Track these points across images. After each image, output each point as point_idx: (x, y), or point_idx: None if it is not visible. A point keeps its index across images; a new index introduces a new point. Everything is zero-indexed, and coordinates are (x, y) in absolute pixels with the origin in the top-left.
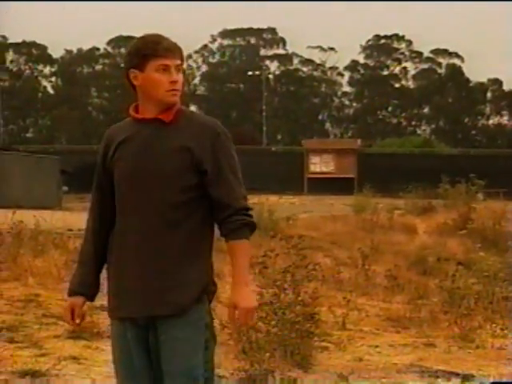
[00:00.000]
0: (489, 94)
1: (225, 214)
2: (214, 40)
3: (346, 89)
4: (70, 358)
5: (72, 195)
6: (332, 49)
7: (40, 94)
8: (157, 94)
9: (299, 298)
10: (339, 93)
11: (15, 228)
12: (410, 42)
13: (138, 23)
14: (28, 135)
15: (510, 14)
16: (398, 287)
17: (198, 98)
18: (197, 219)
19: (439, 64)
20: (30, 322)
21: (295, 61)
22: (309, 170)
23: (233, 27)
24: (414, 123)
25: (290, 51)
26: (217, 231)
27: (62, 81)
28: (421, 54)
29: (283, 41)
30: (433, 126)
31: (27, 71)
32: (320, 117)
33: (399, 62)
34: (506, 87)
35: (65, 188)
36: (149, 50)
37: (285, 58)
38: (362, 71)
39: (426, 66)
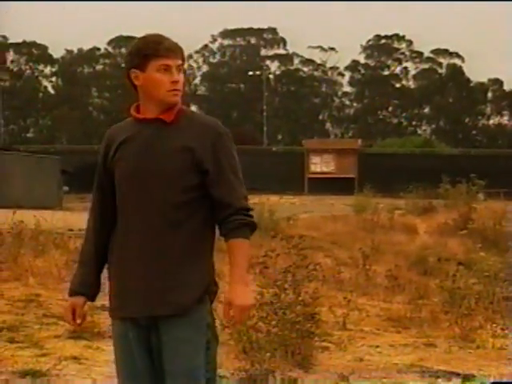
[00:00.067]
0: (489, 94)
1: (225, 213)
2: (214, 40)
3: (347, 89)
4: (71, 358)
5: (73, 195)
6: (332, 49)
7: (41, 94)
8: (158, 94)
9: (300, 298)
10: (340, 93)
11: (16, 228)
12: (410, 42)
13: (139, 23)
14: (29, 135)
15: (511, 14)
16: (399, 287)
17: (199, 98)
18: (198, 219)
19: (440, 64)
20: (31, 322)
21: (296, 61)
22: (309, 170)
23: (233, 27)
24: (414, 123)
25: (291, 51)
26: (217, 231)
27: (63, 81)
28: (421, 54)
29: (284, 41)
30: (433, 126)
31: (28, 71)
32: (320, 117)
33: (400, 61)
34: (506, 87)
35: (65, 188)
36: (150, 50)
37: (285, 58)
38: (362, 71)
39: (426, 66)
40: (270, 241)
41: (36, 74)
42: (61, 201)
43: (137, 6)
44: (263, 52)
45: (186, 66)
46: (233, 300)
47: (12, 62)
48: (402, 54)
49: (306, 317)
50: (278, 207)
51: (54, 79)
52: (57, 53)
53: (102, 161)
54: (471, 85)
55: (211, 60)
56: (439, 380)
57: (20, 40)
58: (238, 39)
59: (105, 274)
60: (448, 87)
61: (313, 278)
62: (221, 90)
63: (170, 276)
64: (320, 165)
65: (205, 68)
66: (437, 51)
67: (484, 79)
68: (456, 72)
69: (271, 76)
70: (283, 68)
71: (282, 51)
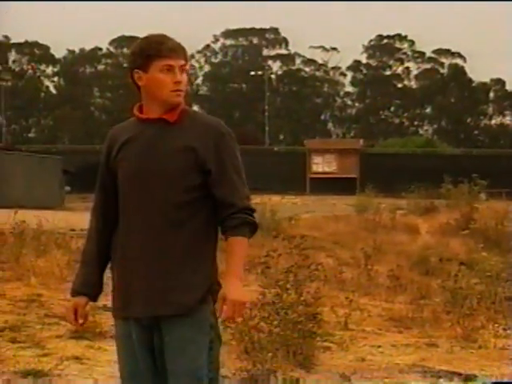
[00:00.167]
0: (491, 94)
1: (227, 212)
2: (216, 40)
3: (349, 89)
4: (73, 358)
5: (74, 195)
6: (334, 49)
7: (42, 94)
8: (161, 94)
9: (301, 298)
10: (341, 93)
11: (18, 228)
12: (412, 42)
13: (140, 23)
14: (30, 135)
15: None
16: (401, 287)
17: (201, 98)
18: (200, 219)
19: (442, 64)
20: (33, 322)
21: (297, 61)
22: (311, 170)
23: (235, 27)
24: (416, 123)
25: (293, 51)
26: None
27: (65, 81)
28: (423, 54)
29: (286, 41)
30: (435, 126)
31: (30, 71)
32: (322, 117)
33: (402, 62)
34: (508, 87)
35: (67, 188)
36: (153, 51)
37: (287, 58)
38: (364, 71)
39: (428, 66)
40: (271, 241)
41: (38, 73)
42: (62, 201)
43: (138, 6)
44: (265, 52)
45: (188, 66)
46: (226, 295)
47: (14, 61)
48: (404, 54)
49: (308, 317)
50: (280, 207)
51: (55, 79)
52: (59, 53)
53: (104, 161)
54: (473, 85)
55: (213, 60)
56: (441, 380)
57: (22, 40)
58: (240, 39)
59: (107, 273)
60: (450, 87)
61: (315, 278)
62: (223, 89)
63: (172, 276)
64: (322, 165)
65: (207, 68)
66: (439, 51)
67: (486, 79)
68: (458, 72)
69: (273, 76)
70: (285, 68)
71: (283, 51)
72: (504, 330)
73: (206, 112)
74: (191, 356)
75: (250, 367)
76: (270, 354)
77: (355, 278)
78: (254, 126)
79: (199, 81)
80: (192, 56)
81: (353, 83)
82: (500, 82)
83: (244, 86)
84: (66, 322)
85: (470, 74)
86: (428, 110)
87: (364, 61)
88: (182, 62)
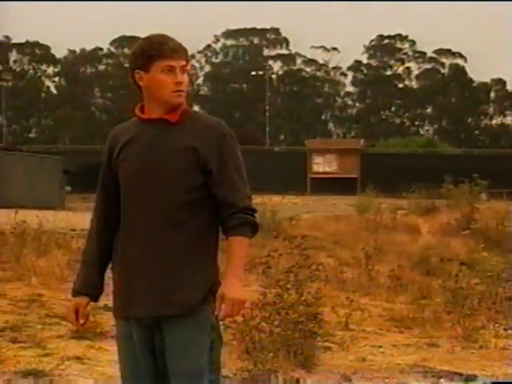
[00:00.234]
0: (492, 94)
1: (228, 212)
2: (217, 40)
3: (349, 89)
4: (74, 358)
5: (75, 195)
6: (335, 49)
7: (43, 94)
8: (162, 94)
9: (302, 298)
10: (342, 93)
11: (18, 228)
12: (413, 42)
13: (141, 23)
14: (31, 135)
15: None
16: (401, 287)
17: (202, 98)
18: (202, 220)
19: (442, 64)
20: (33, 322)
21: (298, 61)
22: (312, 170)
23: (236, 27)
24: (417, 123)
25: (293, 51)
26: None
27: (66, 81)
28: (424, 54)
29: (286, 41)
30: (436, 126)
31: (30, 71)
32: (323, 117)
33: (402, 62)
34: (509, 87)
35: (68, 188)
36: (154, 51)
37: (288, 58)
38: (365, 71)
39: (429, 66)
40: (272, 241)
41: (39, 74)
42: (63, 201)
43: (139, 6)
44: (266, 52)
45: (189, 66)
46: (225, 293)
47: (15, 61)
48: (405, 54)
49: (309, 317)
50: (281, 207)
51: (56, 79)
52: (59, 53)
53: (106, 161)
54: (474, 85)
55: (214, 60)
56: (442, 380)
57: (23, 40)
58: (241, 39)
59: (108, 274)
60: (451, 87)
61: (315, 278)
62: (223, 90)
63: (174, 276)
64: (322, 165)
65: (207, 68)
66: (439, 51)
67: (487, 79)
68: (459, 72)
69: (274, 76)
70: (286, 68)
71: (284, 51)
72: (505, 330)
73: (206, 112)
74: (192, 356)
75: (250, 367)
76: (270, 354)
77: (356, 278)
78: (255, 126)
79: (200, 81)
80: (193, 56)
81: (354, 83)
82: (501, 82)
83: (245, 86)
84: (66, 322)
85: (471, 74)
86: (429, 110)
87: (365, 61)
88: (183, 63)
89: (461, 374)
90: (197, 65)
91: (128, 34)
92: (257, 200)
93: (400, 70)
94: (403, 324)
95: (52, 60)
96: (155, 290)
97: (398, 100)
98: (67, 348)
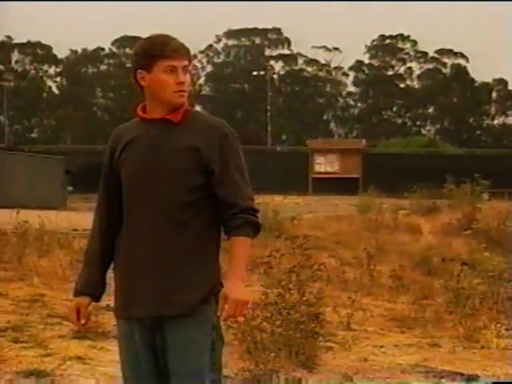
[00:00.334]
0: (494, 94)
1: (230, 212)
2: (218, 40)
3: (351, 89)
4: (75, 358)
5: (77, 195)
6: (337, 49)
7: (45, 94)
8: (164, 94)
9: (304, 298)
10: (344, 93)
11: (20, 228)
12: (414, 42)
13: (143, 23)
14: (33, 135)
15: None
16: (403, 287)
17: (203, 98)
18: (204, 220)
19: (444, 64)
20: (35, 322)
21: (300, 61)
22: (313, 170)
23: (238, 27)
24: (418, 123)
25: (295, 51)
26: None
27: (67, 81)
28: (426, 54)
29: (288, 41)
30: (438, 126)
31: (32, 71)
32: (325, 117)
33: (404, 62)
34: (511, 87)
35: (70, 188)
36: (156, 51)
37: (290, 58)
38: (366, 71)
39: (430, 66)
40: (274, 241)
41: (40, 74)
42: (65, 201)
43: (139, 6)
44: (267, 52)
45: (191, 66)
46: (228, 294)
47: (17, 62)
48: (407, 54)
49: (311, 317)
50: (282, 207)
51: (58, 79)
52: (61, 53)
53: (108, 161)
54: (476, 85)
55: (215, 60)
56: (443, 380)
57: (25, 40)
58: (243, 39)
59: (110, 273)
60: (452, 87)
61: (317, 278)
62: (225, 90)
63: (175, 276)
64: (324, 165)
65: (209, 68)
66: (441, 51)
67: (488, 79)
68: (460, 72)
69: (275, 76)
70: (287, 68)
71: (286, 51)
72: (506, 330)
73: (208, 112)
74: (193, 356)
75: (252, 367)
76: (272, 354)
77: (358, 278)
78: (257, 126)
79: (202, 81)
80: (194, 56)
81: (355, 83)
82: (502, 82)
83: (246, 86)
84: (68, 322)
85: (473, 74)
86: (430, 110)
87: (366, 61)
88: (186, 63)
89: (462, 374)
90: (198, 65)
91: (130, 34)
92: (258, 200)
93: (401, 69)
94: (405, 324)
95: (54, 60)
96: (157, 290)
97: (399, 100)
98: (69, 348)
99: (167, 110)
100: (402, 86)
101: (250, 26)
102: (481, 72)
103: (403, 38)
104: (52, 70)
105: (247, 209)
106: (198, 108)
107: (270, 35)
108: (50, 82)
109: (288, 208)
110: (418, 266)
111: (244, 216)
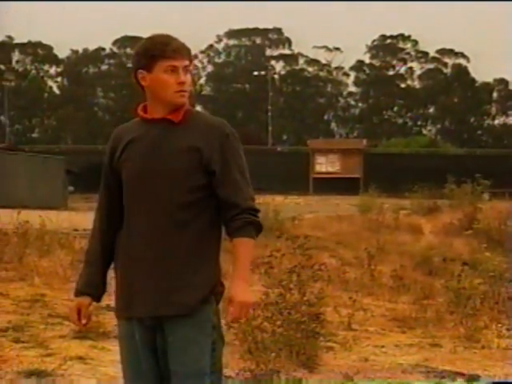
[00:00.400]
0: (495, 94)
1: (231, 213)
2: (219, 40)
3: (352, 89)
4: (76, 358)
5: (78, 195)
6: (337, 49)
7: (46, 94)
8: (165, 95)
9: (305, 298)
10: (345, 93)
11: (21, 228)
12: (415, 42)
13: (144, 23)
14: (34, 135)
15: None
16: (404, 287)
17: (204, 98)
18: (205, 220)
19: (445, 64)
20: (36, 322)
21: (301, 61)
22: (314, 170)
23: (238, 27)
24: (419, 123)
25: (296, 51)
26: (223, 232)
27: (68, 81)
28: (426, 54)
29: (289, 41)
30: (438, 126)
31: (33, 71)
32: (326, 117)
33: (405, 62)
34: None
35: (70, 188)
36: (157, 51)
37: (290, 58)
38: (367, 71)
39: (431, 66)
40: (275, 241)
41: (41, 74)
42: (66, 201)
43: (140, 6)
44: (268, 52)
45: (192, 66)
46: (233, 297)
47: (17, 62)
48: (408, 54)
49: (311, 317)
50: (283, 207)
51: (59, 79)
52: (62, 53)
53: (108, 161)
54: (476, 85)
55: (216, 60)
56: (444, 380)
57: (25, 40)
58: (244, 39)
59: (110, 274)
60: (453, 87)
61: (318, 278)
62: (226, 90)
63: (176, 276)
64: (325, 165)
65: (210, 68)
66: (442, 51)
67: (489, 79)
68: (461, 72)
69: (276, 76)
70: (288, 68)
71: (287, 51)
72: (507, 330)
73: (209, 112)
74: (194, 356)
75: (253, 367)
76: (273, 354)
77: (358, 278)
78: (257, 126)
79: (202, 81)
80: (195, 56)
81: (356, 83)
82: (503, 82)
83: (247, 86)
84: (69, 322)
85: (474, 74)
86: (431, 110)
87: (367, 61)
88: (186, 63)
89: (463, 374)
90: (199, 65)
91: (130, 34)
92: (259, 200)
93: (402, 69)
94: (406, 324)
95: (54, 60)
96: (157, 289)
97: (400, 100)
98: (70, 348)
99: (168, 110)
100: (402, 85)
101: (251, 25)
102: (482, 72)
103: (404, 37)
104: (53, 70)
105: (248, 209)
106: (198, 108)
107: (270, 35)
108: (50, 82)
109: (289, 208)
110: (418, 266)
111: (245, 217)
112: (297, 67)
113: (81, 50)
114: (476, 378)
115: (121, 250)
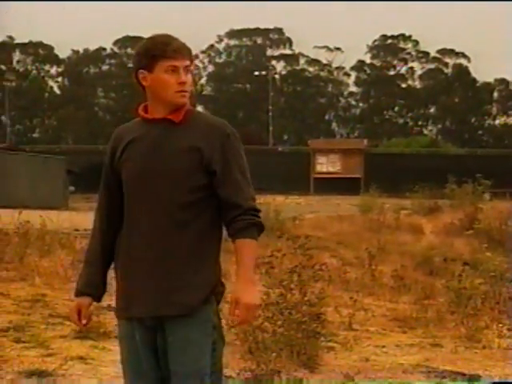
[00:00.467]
0: (495, 94)
1: (233, 213)
2: (220, 40)
3: (353, 89)
4: (77, 358)
5: (78, 195)
6: (338, 49)
7: (46, 94)
8: (166, 95)
9: (305, 298)
10: (346, 93)
11: (22, 228)
12: (416, 42)
13: (145, 23)
14: (34, 135)
15: None
16: (405, 287)
17: (205, 98)
18: (205, 220)
19: (446, 64)
20: (37, 322)
21: (302, 61)
22: (315, 170)
23: (239, 27)
24: (420, 123)
25: (297, 51)
26: (224, 232)
27: (69, 81)
28: (427, 54)
29: (290, 41)
30: (439, 126)
31: (34, 71)
32: (326, 117)
33: (406, 62)
34: None
35: (71, 188)
36: (158, 51)
37: (291, 58)
38: (368, 71)
39: (432, 65)
40: (275, 241)
41: (42, 74)
42: (66, 201)
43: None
44: (269, 52)
45: (193, 66)
46: (239, 299)
47: (18, 62)
48: (408, 54)
49: (312, 317)
50: (284, 207)
51: (60, 79)
52: (63, 53)
53: (109, 161)
54: (477, 85)
55: (217, 60)
56: (445, 380)
57: (26, 40)
58: (244, 39)
59: (111, 274)
60: (454, 87)
61: (319, 278)
62: (226, 90)
63: (177, 276)
64: (326, 165)
65: (210, 68)
66: (443, 51)
67: (490, 79)
68: (462, 72)
69: (277, 76)
70: (289, 68)
71: (287, 51)
72: (508, 330)
73: (210, 112)
74: (194, 357)
75: (254, 367)
76: (273, 354)
77: (359, 278)
78: (258, 126)
79: (203, 81)
80: (196, 56)
81: (357, 83)
82: (504, 82)
83: (248, 86)
84: (70, 322)
85: (474, 74)
86: (432, 110)
87: (368, 61)
88: (187, 63)
89: (464, 374)
90: (200, 65)
91: (131, 34)
92: (260, 200)
93: (403, 69)
94: (406, 324)
95: (55, 60)
96: (158, 289)
97: (401, 100)
98: (70, 348)
99: (169, 110)
100: (403, 85)
101: (252, 26)
102: (482, 72)
103: (405, 37)
104: (54, 70)
105: (249, 209)
106: (199, 108)
107: (271, 35)
108: (51, 82)
109: (289, 208)
110: (419, 266)
111: (247, 217)
112: (298, 67)
113: (81, 50)
114: (477, 378)
115: (121, 249)
